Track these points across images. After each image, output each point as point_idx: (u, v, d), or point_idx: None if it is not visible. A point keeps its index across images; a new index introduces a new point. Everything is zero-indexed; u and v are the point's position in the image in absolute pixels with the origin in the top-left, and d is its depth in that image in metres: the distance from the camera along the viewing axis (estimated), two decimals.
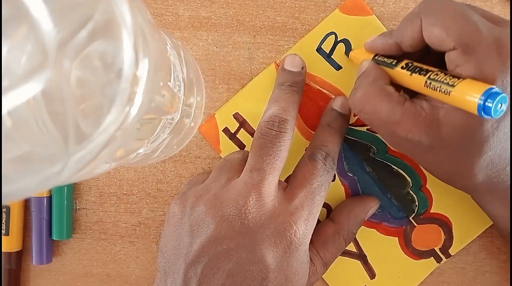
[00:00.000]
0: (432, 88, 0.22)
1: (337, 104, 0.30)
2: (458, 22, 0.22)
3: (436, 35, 0.23)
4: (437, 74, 0.22)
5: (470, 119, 0.22)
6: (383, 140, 0.26)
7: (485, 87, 0.19)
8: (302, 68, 0.30)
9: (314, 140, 0.28)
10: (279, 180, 0.27)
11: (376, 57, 0.27)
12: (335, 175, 0.31)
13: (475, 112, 0.19)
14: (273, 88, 0.30)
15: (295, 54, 0.30)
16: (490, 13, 0.24)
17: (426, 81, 0.22)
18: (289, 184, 0.27)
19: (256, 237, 0.25)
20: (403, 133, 0.24)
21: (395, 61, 0.25)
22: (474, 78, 0.21)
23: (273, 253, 0.24)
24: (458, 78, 0.21)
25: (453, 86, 0.21)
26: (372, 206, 0.30)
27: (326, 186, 0.27)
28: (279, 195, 0.26)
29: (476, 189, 0.25)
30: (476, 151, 0.23)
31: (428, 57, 0.25)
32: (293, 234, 0.25)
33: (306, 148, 0.29)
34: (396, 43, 0.25)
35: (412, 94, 0.25)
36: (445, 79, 0.21)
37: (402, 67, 0.25)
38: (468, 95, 0.20)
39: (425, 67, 0.23)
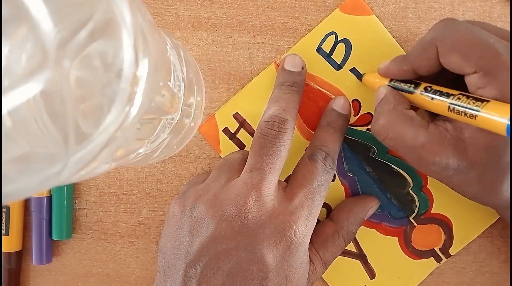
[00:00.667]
0: (456, 112, 0.22)
1: (337, 104, 0.30)
2: (475, 47, 0.22)
3: (454, 62, 0.23)
4: (459, 98, 0.22)
5: (495, 139, 0.22)
6: (411, 165, 0.26)
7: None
8: (302, 68, 0.30)
9: (314, 140, 0.28)
10: (279, 180, 0.27)
11: (392, 82, 0.27)
12: (335, 175, 0.31)
13: (503, 133, 0.20)
14: (273, 88, 0.30)
15: (295, 54, 0.30)
16: (500, 28, 0.24)
17: (449, 106, 0.23)
18: (289, 184, 0.27)
19: (256, 237, 0.25)
20: (430, 157, 0.24)
21: (413, 85, 0.25)
22: (497, 99, 0.21)
23: (273, 252, 0.24)
24: (481, 101, 0.21)
25: (478, 111, 0.21)
26: (372, 206, 0.30)
27: (326, 186, 0.27)
28: (279, 195, 0.26)
29: (504, 205, 0.25)
30: (503, 170, 0.23)
31: (443, 75, 0.25)
32: (293, 234, 0.25)
33: (306, 148, 0.29)
34: (412, 69, 0.25)
35: (433, 115, 0.25)
36: (469, 103, 0.22)
37: (421, 92, 0.25)
38: (495, 117, 0.20)
39: (445, 90, 0.23)
